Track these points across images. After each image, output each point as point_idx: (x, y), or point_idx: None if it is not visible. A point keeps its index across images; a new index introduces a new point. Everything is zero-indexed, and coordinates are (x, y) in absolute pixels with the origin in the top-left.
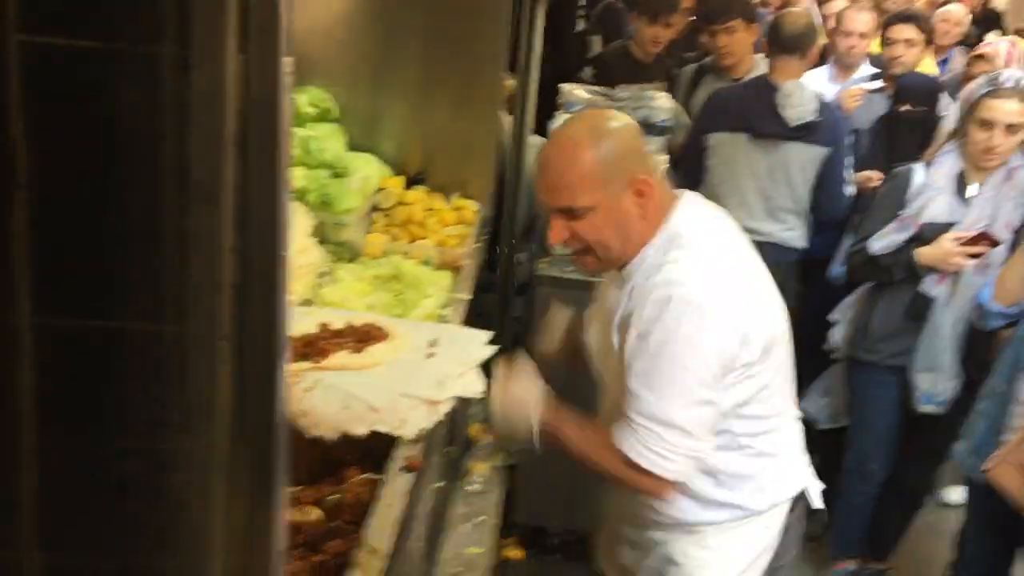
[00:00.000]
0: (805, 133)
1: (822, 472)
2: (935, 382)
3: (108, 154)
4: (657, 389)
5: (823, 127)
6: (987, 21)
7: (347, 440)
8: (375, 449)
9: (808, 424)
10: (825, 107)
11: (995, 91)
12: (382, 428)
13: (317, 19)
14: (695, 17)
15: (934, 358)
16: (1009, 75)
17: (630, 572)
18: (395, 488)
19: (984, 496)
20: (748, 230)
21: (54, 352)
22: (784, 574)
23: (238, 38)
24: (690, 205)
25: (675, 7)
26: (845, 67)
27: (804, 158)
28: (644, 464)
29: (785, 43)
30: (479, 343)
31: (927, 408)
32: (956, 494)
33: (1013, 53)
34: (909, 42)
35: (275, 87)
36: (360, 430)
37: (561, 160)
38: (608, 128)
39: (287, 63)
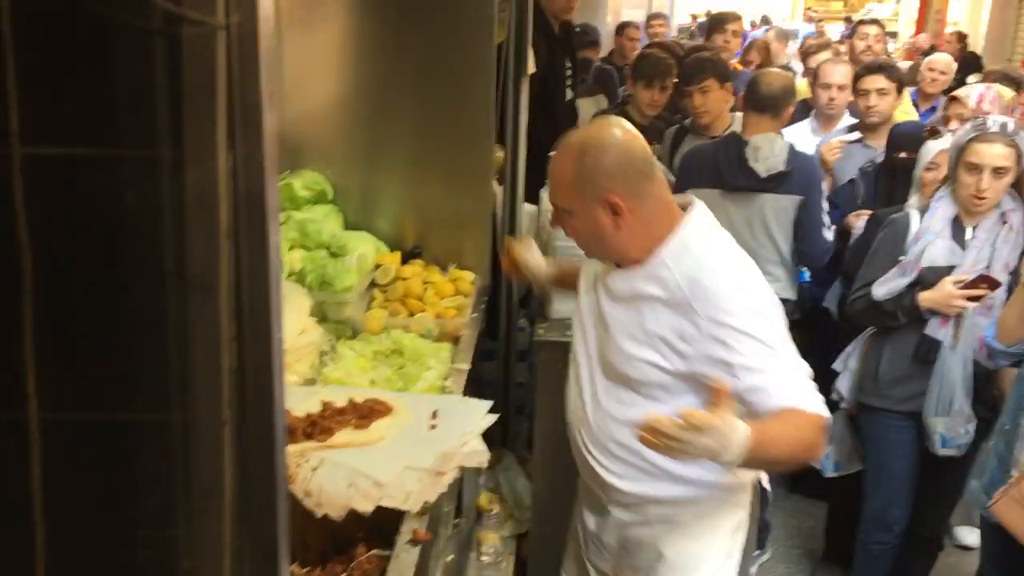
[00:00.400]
0: (776, 183)
1: (832, 519)
2: (952, 425)
3: (109, 253)
4: (772, 354)
5: (794, 176)
6: (966, 65)
7: (354, 517)
8: (382, 525)
9: (815, 472)
10: (795, 156)
11: (981, 135)
12: (388, 503)
13: (309, 104)
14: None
15: (948, 401)
16: (995, 120)
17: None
18: (403, 563)
19: (996, 535)
20: None
21: (61, 446)
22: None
23: (227, 136)
24: (698, 221)
25: (670, 71)
26: (826, 119)
27: (778, 207)
28: (824, 412)
29: (759, 102)
30: (480, 412)
31: (946, 451)
32: (972, 536)
33: (986, 95)
34: (881, 92)
35: (262, 179)
36: (366, 507)
37: (555, 163)
38: (598, 144)
39: (271, 156)
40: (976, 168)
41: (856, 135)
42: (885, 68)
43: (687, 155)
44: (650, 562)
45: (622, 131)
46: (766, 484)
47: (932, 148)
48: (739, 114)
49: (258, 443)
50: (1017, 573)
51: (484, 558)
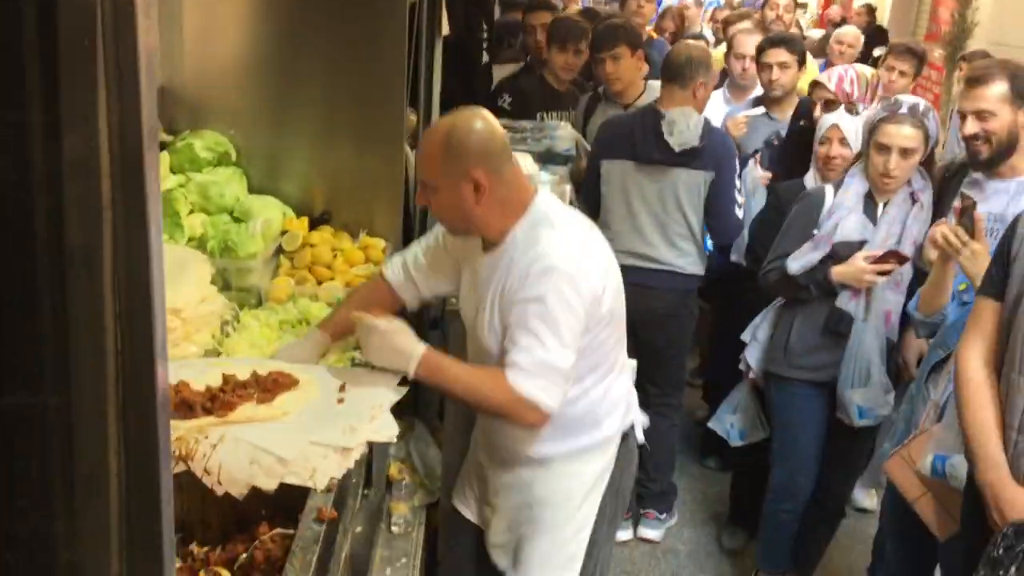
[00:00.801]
0: (690, 159)
1: (740, 488)
2: (870, 396)
3: None
4: (542, 340)
5: (707, 152)
6: (873, 37)
7: (257, 495)
8: (287, 502)
9: (721, 441)
10: (709, 131)
11: (890, 116)
12: (292, 480)
13: (213, 62)
14: None
15: (865, 373)
16: (905, 100)
17: (490, 504)
18: (307, 542)
19: (893, 494)
20: (644, 256)
21: None
22: (623, 498)
23: (106, 100)
24: (546, 198)
25: (584, 35)
26: (738, 89)
27: (691, 183)
28: (533, 396)
29: (669, 71)
30: (391, 385)
31: (864, 422)
32: (869, 499)
33: (844, 76)
34: (783, 65)
35: (139, 145)
36: (269, 484)
37: (426, 140)
38: (463, 126)
39: (150, 120)
40: (885, 148)
41: (760, 109)
42: (787, 41)
43: (603, 125)
44: (520, 501)
45: (484, 119)
46: (641, 439)
47: (826, 122)
48: (653, 82)
49: (139, 427)
50: (911, 530)
51: (394, 528)
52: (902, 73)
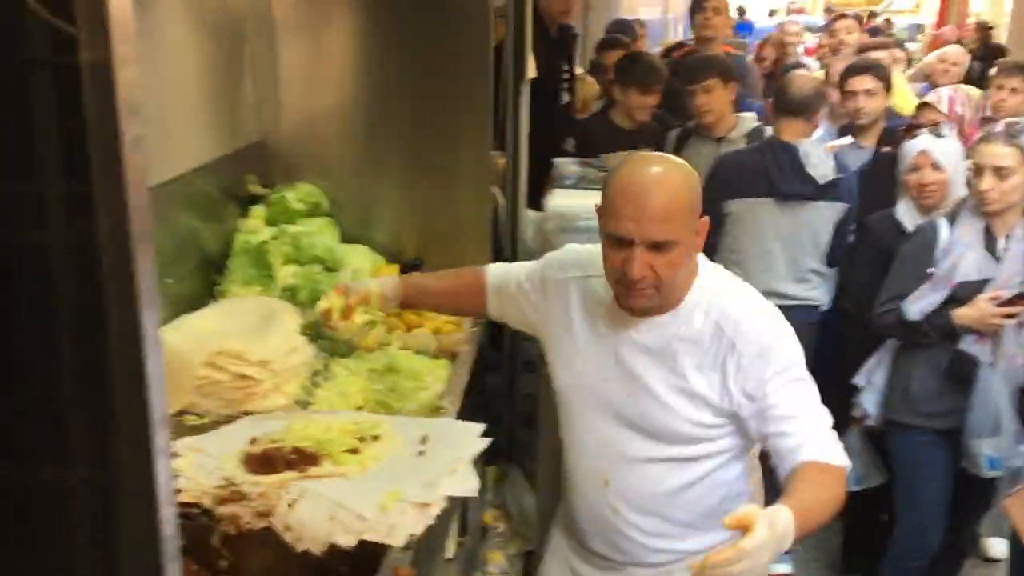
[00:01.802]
0: (829, 191)
1: (856, 536)
2: (1001, 446)
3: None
4: (805, 401)
5: (843, 183)
6: (990, 56)
7: (337, 550)
8: (367, 559)
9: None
10: (839, 164)
11: (986, 136)
12: (371, 537)
13: (306, 116)
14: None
15: (994, 421)
16: (1004, 121)
17: None
18: None
19: (1018, 540)
20: (775, 294)
21: None
22: None
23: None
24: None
25: (664, 77)
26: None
27: (828, 216)
28: (844, 461)
29: (792, 106)
30: (472, 436)
31: (994, 473)
32: (998, 547)
33: (955, 98)
34: (869, 92)
35: (127, 245)
36: (348, 540)
37: (663, 193)
38: (687, 167)
39: (139, 212)
40: (980, 169)
41: (848, 139)
42: (872, 68)
43: (722, 163)
44: None
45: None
46: None
47: (911, 149)
48: (746, 114)
49: (140, 504)
50: None
51: None
52: (1013, 91)
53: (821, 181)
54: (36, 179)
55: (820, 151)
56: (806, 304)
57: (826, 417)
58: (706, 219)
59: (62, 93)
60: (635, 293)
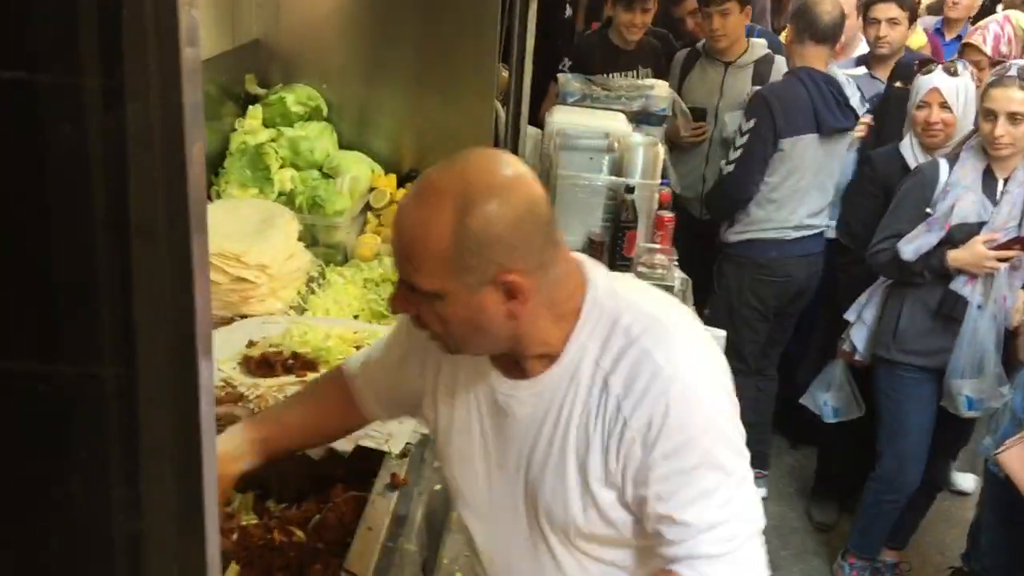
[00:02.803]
0: (854, 120)
1: (830, 463)
2: (981, 387)
3: (38, 190)
4: (724, 497)
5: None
6: None
7: (334, 457)
8: (363, 464)
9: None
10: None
11: (998, 80)
12: (368, 443)
13: (307, 15)
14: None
15: (978, 363)
16: (1016, 63)
17: None
18: (379, 508)
19: (1002, 486)
20: (810, 227)
21: None
22: None
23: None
24: (601, 271)
25: None
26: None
27: (847, 144)
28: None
29: (821, 32)
30: None
31: (972, 413)
32: (968, 482)
33: (1001, 36)
34: (892, 21)
35: (180, 123)
36: (344, 446)
37: (412, 222)
38: (490, 197)
39: (192, 97)
40: (992, 114)
41: (862, 68)
42: None
43: (769, 102)
44: None
45: (515, 171)
46: None
47: (923, 85)
48: (757, 40)
49: (179, 403)
50: (1016, 525)
51: None
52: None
53: (859, 112)
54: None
55: (850, 82)
56: (818, 232)
57: (718, 523)
58: (516, 277)
59: None
60: (431, 337)
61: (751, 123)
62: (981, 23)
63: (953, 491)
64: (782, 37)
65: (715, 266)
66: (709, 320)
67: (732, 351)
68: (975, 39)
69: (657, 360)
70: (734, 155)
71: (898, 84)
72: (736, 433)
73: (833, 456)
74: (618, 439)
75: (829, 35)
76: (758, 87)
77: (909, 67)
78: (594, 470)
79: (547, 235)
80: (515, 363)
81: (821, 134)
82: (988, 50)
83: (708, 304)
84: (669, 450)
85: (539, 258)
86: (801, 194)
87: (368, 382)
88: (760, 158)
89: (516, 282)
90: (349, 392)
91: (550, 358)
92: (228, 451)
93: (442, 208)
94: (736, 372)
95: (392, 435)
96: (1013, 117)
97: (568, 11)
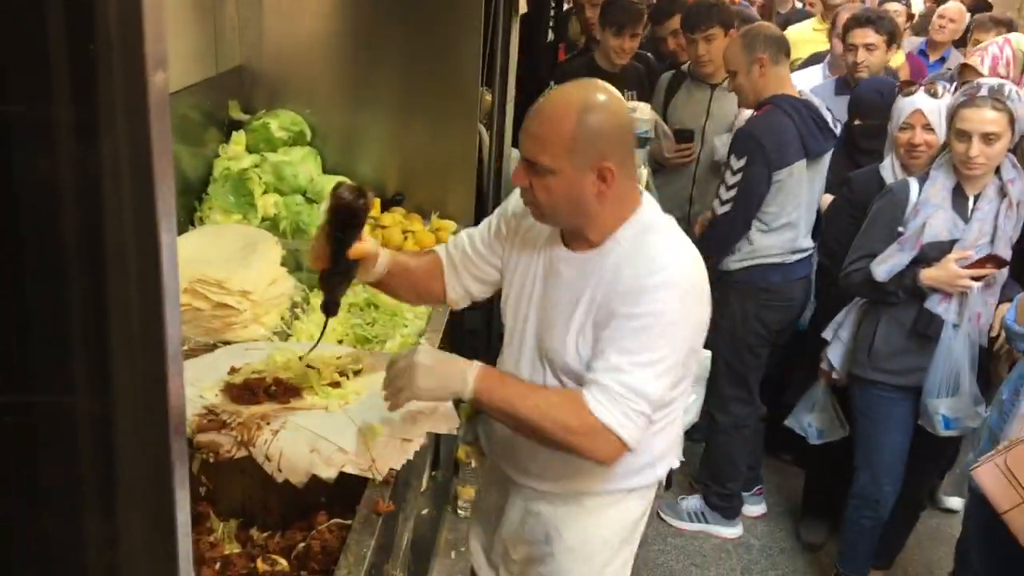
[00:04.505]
0: (833, 143)
1: (817, 483)
2: (957, 407)
3: (10, 221)
4: (640, 363)
5: None
6: (977, 11)
7: (318, 482)
8: (346, 490)
9: (794, 438)
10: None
11: (969, 100)
12: (351, 470)
13: (291, 41)
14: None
15: (953, 382)
16: (986, 83)
17: (509, 543)
18: (363, 535)
19: (984, 504)
20: (798, 250)
21: None
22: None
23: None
24: (652, 202)
25: (640, 18)
26: (839, 67)
27: (826, 165)
28: (613, 425)
29: (787, 51)
30: None
31: (949, 433)
32: (956, 501)
33: (999, 58)
34: (869, 47)
35: (148, 158)
36: (328, 473)
37: (545, 116)
38: (599, 105)
39: (160, 130)
40: (965, 135)
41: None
42: (874, 21)
43: (761, 137)
44: (545, 538)
45: (617, 98)
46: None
47: (905, 107)
48: None
49: (150, 432)
50: (1000, 541)
51: (460, 512)
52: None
53: (836, 132)
54: (47, 103)
55: (820, 101)
56: (810, 253)
57: (639, 378)
58: (611, 165)
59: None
60: (527, 204)
61: (742, 162)
62: (981, 44)
63: (941, 509)
64: None
65: (713, 295)
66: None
67: (735, 380)
68: (973, 60)
69: (658, 258)
70: (728, 194)
71: (858, 123)
72: (682, 341)
73: (820, 476)
74: (607, 295)
75: (787, 54)
76: (744, 120)
77: (867, 101)
78: (588, 320)
79: (630, 143)
80: (572, 238)
81: (808, 159)
82: (986, 71)
83: None
84: (628, 312)
85: (625, 156)
86: (797, 218)
87: (453, 273)
88: (756, 195)
89: (609, 167)
90: (440, 267)
91: (594, 244)
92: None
93: (569, 108)
94: (739, 401)
95: (376, 460)
96: (987, 137)
97: (551, 35)
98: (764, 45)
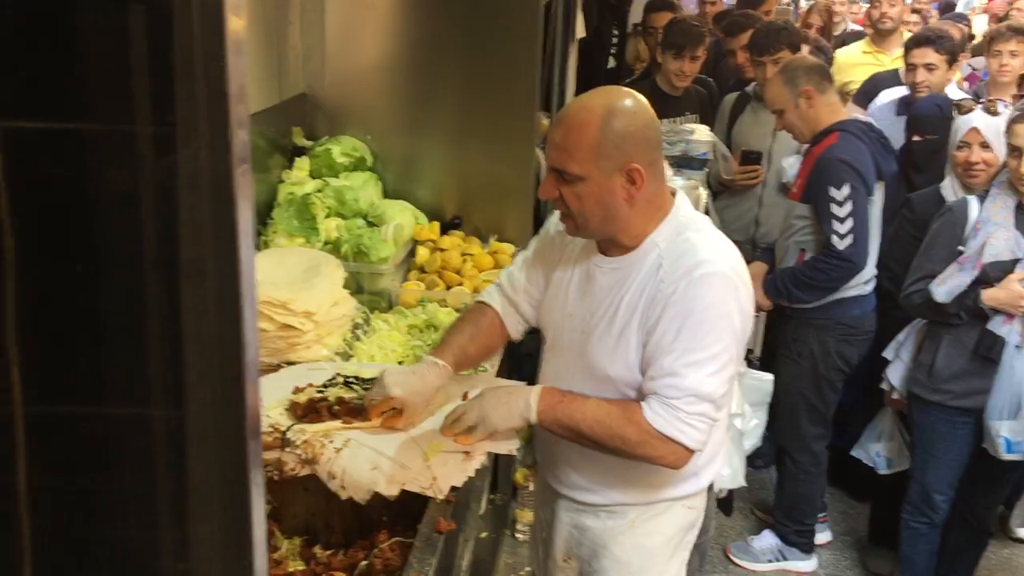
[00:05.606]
0: (896, 165)
1: (884, 512)
2: (1018, 429)
3: (90, 235)
4: (693, 362)
5: None
6: None
7: (381, 501)
8: (409, 508)
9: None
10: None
11: (1021, 115)
12: (413, 488)
13: (352, 68)
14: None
15: (1016, 404)
16: None
17: (561, 559)
18: (425, 554)
19: None
20: (873, 278)
21: (47, 440)
22: (704, 548)
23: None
24: (686, 201)
25: (701, 41)
26: None
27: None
28: (672, 433)
29: (831, 78)
30: None
31: (1011, 456)
32: None
33: None
34: (929, 67)
35: (230, 175)
36: (390, 491)
37: (568, 124)
38: (622, 109)
39: (240, 147)
40: (1018, 151)
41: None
42: (934, 40)
43: (851, 166)
44: (593, 553)
45: (641, 101)
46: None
47: (962, 125)
48: None
49: (226, 440)
50: None
51: (519, 535)
52: (1012, 54)
53: (896, 154)
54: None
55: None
56: (877, 282)
57: (696, 377)
58: (639, 167)
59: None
60: (561, 218)
61: (845, 190)
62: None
63: (1013, 539)
64: None
65: (787, 332)
66: (785, 382)
67: (816, 418)
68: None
69: (700, 252)
70: (844, 227)
71: (916, 138)
72: (733, 334)
73: (888, 504)
74: (652, 297)
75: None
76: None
77: (925, 117)
78: (632, 323)
79: (657, 145)
80: (608, 246)
81: (883, 180)
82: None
83: (776, 369)
84: (675, 311)
85: (652, 157)
86: (872, 246)
87: (508, 308)
88: (863, 219)
89: (637, 169)
90: (496, 316)
91: (630, 248)
92: (427, 378)
93: (592, 115)
94: (820, 439)
95: (437, 478)
96: None
97: (612, 62)
98: (806, 77)
